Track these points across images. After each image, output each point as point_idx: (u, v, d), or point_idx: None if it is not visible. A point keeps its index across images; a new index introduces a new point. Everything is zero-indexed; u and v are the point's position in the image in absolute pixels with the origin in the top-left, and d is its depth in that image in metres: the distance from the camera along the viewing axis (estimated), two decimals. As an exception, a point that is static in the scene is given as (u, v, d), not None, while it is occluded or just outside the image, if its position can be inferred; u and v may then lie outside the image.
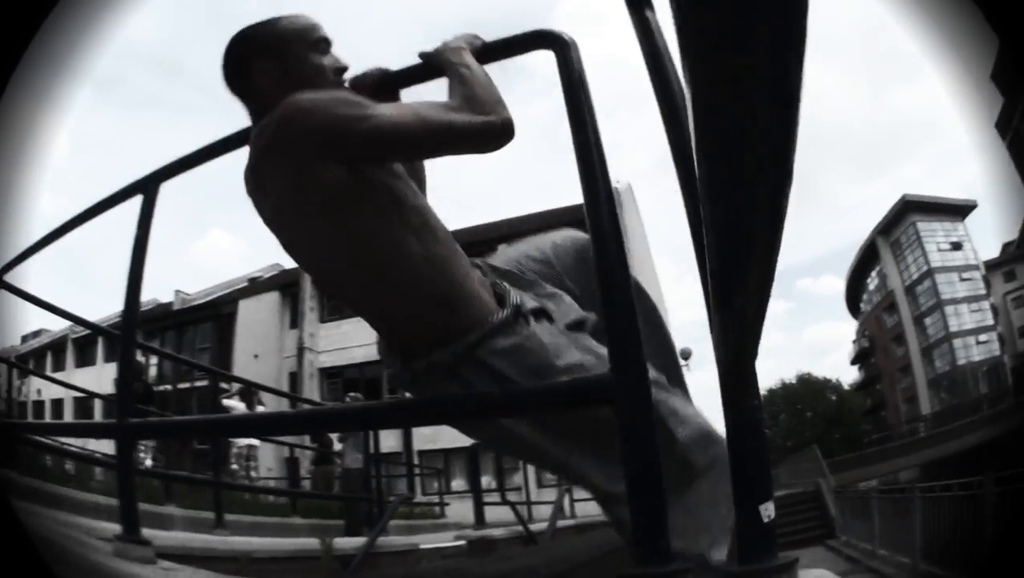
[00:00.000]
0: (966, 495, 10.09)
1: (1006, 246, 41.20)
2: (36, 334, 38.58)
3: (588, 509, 9.87)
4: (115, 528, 2.20)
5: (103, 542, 2.23)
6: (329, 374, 26.48)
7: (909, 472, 27.77)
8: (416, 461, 21.49)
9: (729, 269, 0.91)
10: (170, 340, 31.49)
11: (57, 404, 31.14)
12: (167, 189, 2.24)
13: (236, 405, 9.11)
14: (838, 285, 59.83)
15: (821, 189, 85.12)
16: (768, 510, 1.19)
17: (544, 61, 1.58)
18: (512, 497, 9.20)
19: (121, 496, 2.18)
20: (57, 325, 33.71)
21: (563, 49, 1.51)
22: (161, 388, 23.93)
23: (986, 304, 41.02)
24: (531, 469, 15.28)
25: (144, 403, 7.48)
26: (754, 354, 1.21)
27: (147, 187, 2.28)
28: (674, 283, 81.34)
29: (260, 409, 9.47)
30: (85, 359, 34.86)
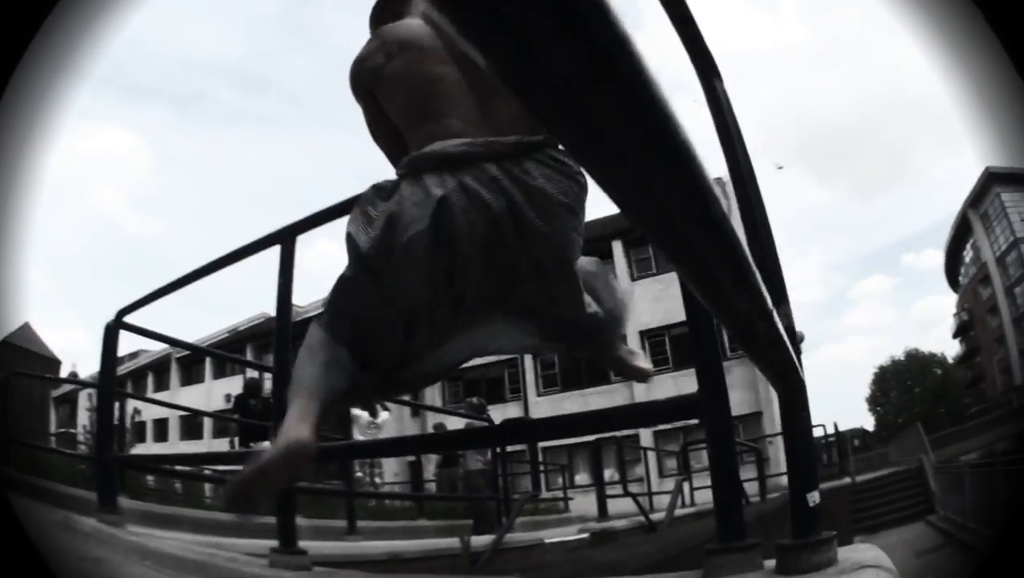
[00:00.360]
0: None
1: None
2: (133, 356, 39.41)
3: (707, 497, 9.79)
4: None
5: (250, 557, 2.50)
6: (450, 377, 26.98)
7: (1004, 444, 26.43)
8: (540, 458, 21.69)
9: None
10: (284, 353, 32.23)
11: (160, 424, 32.87)
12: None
13: (359, 413, 9.48)
14: (939, 259, 56.34)
15: (912, 164, 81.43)
16: (814, 497, 1.44)
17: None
18: (634, 489, 9.24)
19: (279, 513, 2.44)
20: (156, 345, 34.82)
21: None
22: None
23: (1066, 272, 38.82)
24: (652, 461, 15.19)
25: (261, 419, 7.79)
26: (797, 375, 1.44)
27: (284, 238, 2.52)
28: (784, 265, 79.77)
29: (384, 415, 9.81)
30: (191, 377, 35.95)
